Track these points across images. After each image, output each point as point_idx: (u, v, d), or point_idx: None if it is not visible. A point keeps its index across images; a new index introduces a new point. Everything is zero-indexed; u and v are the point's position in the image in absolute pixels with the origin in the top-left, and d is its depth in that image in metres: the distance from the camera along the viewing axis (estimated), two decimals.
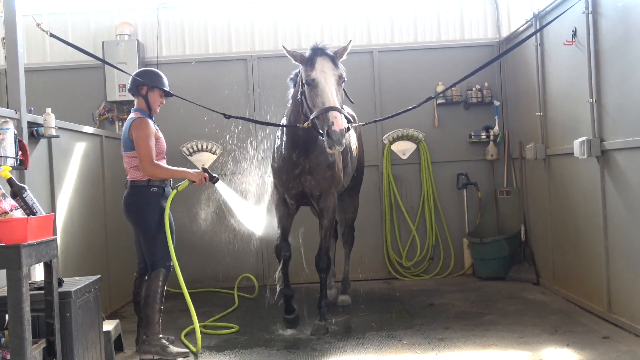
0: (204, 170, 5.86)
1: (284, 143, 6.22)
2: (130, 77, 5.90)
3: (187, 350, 5.81)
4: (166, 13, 9.22)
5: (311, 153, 6.10)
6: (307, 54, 5.79)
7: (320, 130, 5.53)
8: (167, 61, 8.99)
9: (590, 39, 6.22)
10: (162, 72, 6.02)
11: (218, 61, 9.15)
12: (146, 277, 5.78)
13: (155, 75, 5.90)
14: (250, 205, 6.71)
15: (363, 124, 6.73)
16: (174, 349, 5.71)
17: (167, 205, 5.70)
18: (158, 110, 5.94)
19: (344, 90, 5.89)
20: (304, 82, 5.71)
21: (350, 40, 6.09)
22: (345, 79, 5.80)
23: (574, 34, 6.53)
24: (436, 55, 9.20)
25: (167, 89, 5.93)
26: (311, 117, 5.60)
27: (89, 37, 9.05)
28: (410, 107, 6.60)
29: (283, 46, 6.07)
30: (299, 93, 5.88)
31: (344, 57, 5.91)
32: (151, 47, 9.13)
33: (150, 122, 5.72)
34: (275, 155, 6.43)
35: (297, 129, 5.96)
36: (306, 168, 6.16)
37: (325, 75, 5.58)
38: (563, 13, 6.47)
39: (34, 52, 9.06)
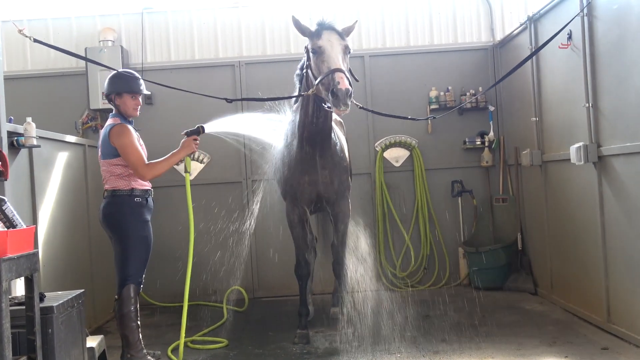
0: (187, 134, 5.63)
1: (295, 143, 6.11)
2: (106, 83, 5.67)
3: None
4: (151, 18, 9.08)
5: (326, 152, 6.05)
6: (314, 28, 5.80)
7: (325, 92, 5.44)
8: (152, 67, 8.83)
9: (586, 41, 6.20)
10: (132, 71, 5.79)
11: (204, 67, 9.02)
12: (116, 296, 5.51)
13: (122, 80, 5.62)
14: (244, 118, 6.57)
15: (359, 107, 6.51)
16: None
17: (189, 196, 5.64)
18: (137, 113, 5.69)
19: (349, 68, 5.85)
20: (310, 53, 5.74)
21: (356, 21, 6.08)
22: (351, 51, 5.80)
23: (569, 37, 6.49)
24: (429, 59, 9.10)
25: (134, 89, 5.62)
26: (316, 82, 5.58)
27: (71, 44, 8.89)
28: (410, 117, 6.72)
29: (293, 16, 5.92)
30: (305, 66, 5.90)
31: (349, 36, 5.90)
32: (135, 53, 8.98)
33: (130, 127, 5.54)
34: (286, 158, 6.29)
35: (309, 125, 5.90)
36: (321, 171, 6.10)
37: (332, 44, 5.63)
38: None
39: (14, 59, 8.91)
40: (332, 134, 6.08)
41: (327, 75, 5.42)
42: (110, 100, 5.64)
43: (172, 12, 9.12)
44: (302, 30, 5.85)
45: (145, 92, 5.72)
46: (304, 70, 5.93)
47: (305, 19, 9.02)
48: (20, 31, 5.36)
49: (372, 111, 7.29)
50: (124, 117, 5.59)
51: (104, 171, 5.54)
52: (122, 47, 8.77)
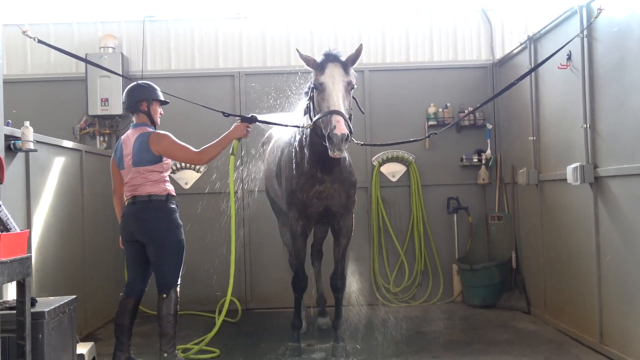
0: (242, 119, 5.79)
1: (306, 158, 6.05)
2: (126, 94, 5.82)
3: None
4: (152, 26, 9.11)
5: (334, 167, 6.00)
6: (319, 59, 5.73)
7: (323, 132, 5.44)
8: (151, 75, 8.79)
9: (585, 63, 6.19)
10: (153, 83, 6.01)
11: (204, 77, 9.02)
12: (163, 295, 5.58)
13: (151, 88, 5.87)
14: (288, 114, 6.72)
15: (362, 144, 6.55)
16: None
17: (231, 178, 5.90)
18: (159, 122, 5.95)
19: (354, 99, 5.87)
20: (312, 86, 5.71)
21: (361, 44, 5.94)
22: (355, 86, 5.75)
23: (569, 58, 6.49)
24: (428, 75, 9.12)
25: (162, 99, 5.94)
26: (315, 118, 5.58)
27: (72, 49, 8.72)
28: (412, 139, 6.62)
29: (297, 49, 5.94)
30: (309, 97, 5.87)
31: (356, 64, 5.83)
32: (136, 60, 8.99)
33: None
34: (294, 171, 6.19)
35: (317, 145, 5.84)
36: (330, 185, 6.06)
37: (334, 80, 5.55)
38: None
39: (14, 64, 8.93)
40: (352, 132, 5.89)
41: (325, 115, 5.39)
42: (136, 109, 5.77)
43: (173, 21, 9.14)
44: (307, 61, 5.81)
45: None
46: (308, 102, 5.89)
47: (306, 32, 9.13)
48: (24, 32, 5.37)
49: (374, 144, 7.25)
50: (150, 125, 5.78)
51: (135, 178, 5.60)
52: (122, 54, 8.78)
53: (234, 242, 5.91)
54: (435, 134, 6.63)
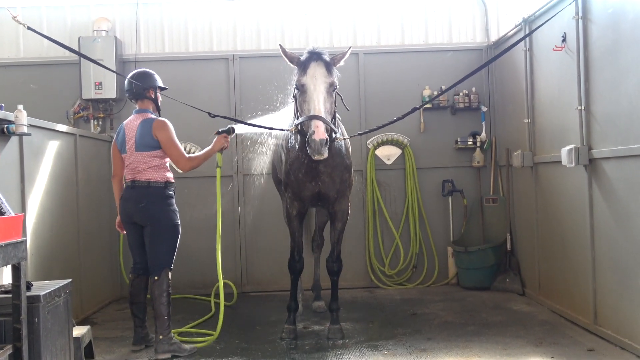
0: (218, 133, 6.01)
1: (298, 143, 6.06)
2: (135, 80, 5.95)
3: (195, 345, 6.00)
4: (145, 9, 9.04)
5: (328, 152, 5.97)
6: (303, 57, 5.76)
7: (303, 137, 5.59)
8: (145, 59, 8.77)
9: (580, 45, 6.18)
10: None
11: (198, 60, 8.99)
12: (155, 277, 5.76)
13: (155, 75, 6.07)
14: (271, 117, 6.88)
15: (348, 137, 6.53)
16: (187, 345, 5.91)
17: (218, 188, 6.07)
18: None
19: (340, 96, 5.91)
20: (295, 86, 5.76)
21: (350, 47, 6.07)
22: (337, 87, 5.78)
23: (564, 40, 6.49)
24: (423, 58, 9.09)
25: (163, 86, 6.18)
26: (296, 122, 5.69)
27: (65, 33, 8.85)
28: (395, 118, 6.45)
29: (280, 45, 5.96)
30: (292, 96, 5.92)
31: (342, 63, 5.88)
32: (129, 44, 8.93)
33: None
34: (290, 155, 6.22)
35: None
36: (322, 170, 6.07)
37: (316, 82, 5.59)
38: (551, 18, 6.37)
39: (7, 47, 8.88)
40: (336, 132, 5.97)
41: (306, 120, 5.47)
42: (142, 96, 5.96)
43: (167, 4, 9.07)
44: (291, 58, 5.84)
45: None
46: (293, 101, 5.93)
47: (300, 15, 9.08)
48: (14, 17, 5.31)
49: (358, 134, 7.11)
50: (154, 112, 5.99)
51: (136, 162, 5.79)
52: (116, 37, 8.72)
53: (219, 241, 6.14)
54: (417, 108, 6.54)
